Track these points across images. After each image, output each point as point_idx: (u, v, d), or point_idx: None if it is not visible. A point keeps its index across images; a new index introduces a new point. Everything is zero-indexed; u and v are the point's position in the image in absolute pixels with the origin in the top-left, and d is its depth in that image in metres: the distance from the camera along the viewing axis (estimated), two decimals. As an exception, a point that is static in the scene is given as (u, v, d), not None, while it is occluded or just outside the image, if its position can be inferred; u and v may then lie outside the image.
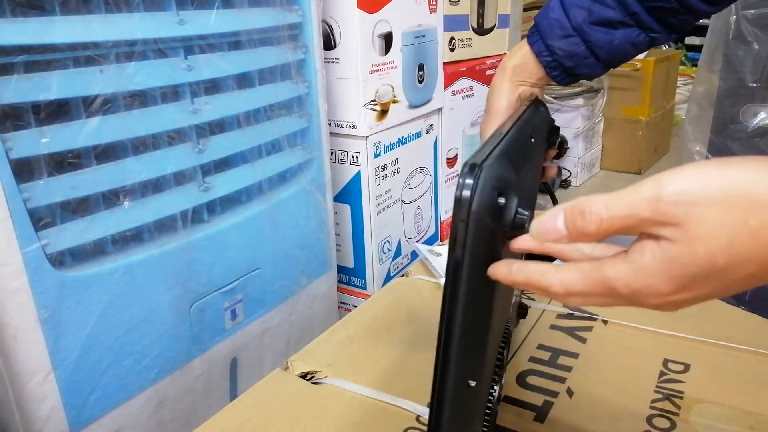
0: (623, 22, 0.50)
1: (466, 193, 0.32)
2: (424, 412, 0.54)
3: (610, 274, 0.29)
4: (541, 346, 0.65)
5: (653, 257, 0.28)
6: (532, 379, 0.59)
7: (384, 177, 1.13)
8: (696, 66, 1.36)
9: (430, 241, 1.35)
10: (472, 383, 0.38)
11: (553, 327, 0.69)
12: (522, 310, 0.65)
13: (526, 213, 0.35)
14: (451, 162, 1.38)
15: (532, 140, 0.46)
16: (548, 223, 0.31)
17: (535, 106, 0.51)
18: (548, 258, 0.35)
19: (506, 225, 0.35)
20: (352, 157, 1.08)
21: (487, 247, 0.35)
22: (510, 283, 0.34)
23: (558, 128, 0.55)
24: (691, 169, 0.27)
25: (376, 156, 1.09)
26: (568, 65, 0.52)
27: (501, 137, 0.39)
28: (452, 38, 1.29)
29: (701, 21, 0.55)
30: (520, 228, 0.35)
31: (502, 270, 0.34)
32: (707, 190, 0.26)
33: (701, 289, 0.28)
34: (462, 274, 0.33)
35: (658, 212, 0.27)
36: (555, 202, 0.56)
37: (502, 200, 0.34)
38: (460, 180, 0.32)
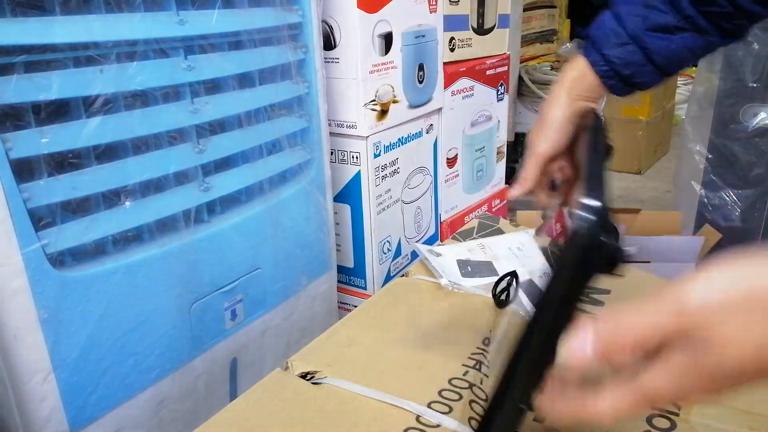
0: (679, 27, 0.50)
1: (582, 229, 0.33)
2: (424, 412, 0.54)
3: (650, 394, 0.31)
4: (541, 346, 0.65)
5: (686, 365, 0.29)
6: (532, 379, 0.59)
7: (384, 177, 1.13)
8: (696, 66, 1.36)
9: (430, 241, 1.36)
10: (524, 407, 0.38)
11: (553, 327, 0.69)
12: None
13: (628, 250, 0.36)
14: (451, 162, 1.38)
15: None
16: (578, 351, 0.32)
17: (600, 121, 0.51)
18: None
19: (607, 263, 0.35)
20: (352, 157, 1.08)
21: (584, 285, 0.36)
22: (552, 418, 0.35)
23: (611, 147, 0.54)
24: (711, 275, 0.29)
25: (376, 156, 1.09)
26: (625, 73, 0.52)
27: (602, 169, 0.41)
28: (452, 38, 1.29)
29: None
30: (619, 263, 0.36)
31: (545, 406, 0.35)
32: (728, 296, 0.28)
33: (737, 381, 0.29)
34: (553, 307, 0.35)
35: (683, 324, 0.29)
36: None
37: (605, 239, 0.35)
38: (577, 212, 0.34)
